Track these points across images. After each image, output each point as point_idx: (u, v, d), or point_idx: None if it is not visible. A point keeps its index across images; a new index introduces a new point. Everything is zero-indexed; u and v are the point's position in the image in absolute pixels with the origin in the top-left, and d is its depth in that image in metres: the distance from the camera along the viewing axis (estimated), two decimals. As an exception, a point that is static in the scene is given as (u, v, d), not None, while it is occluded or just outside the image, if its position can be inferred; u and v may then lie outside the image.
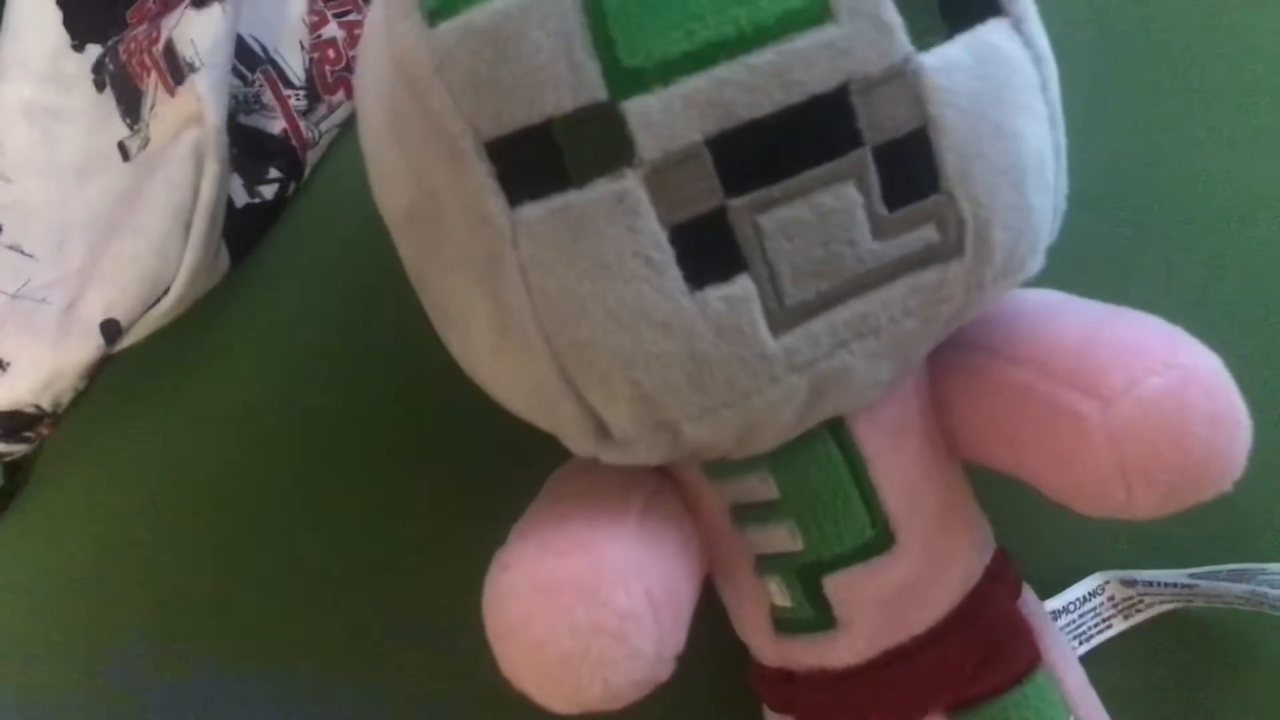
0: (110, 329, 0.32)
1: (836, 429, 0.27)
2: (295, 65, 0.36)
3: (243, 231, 0.35)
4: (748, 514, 0.29)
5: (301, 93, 0.36)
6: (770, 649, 0.30)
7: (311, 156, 0.36)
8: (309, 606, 0.37)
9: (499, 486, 0.35)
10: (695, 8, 0.21)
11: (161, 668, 0.37)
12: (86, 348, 0.32)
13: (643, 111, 0.21)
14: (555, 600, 0.25)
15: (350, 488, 0.37)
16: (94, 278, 0.32)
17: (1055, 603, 0.35)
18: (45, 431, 0.34)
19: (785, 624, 0.30)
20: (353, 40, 0.36)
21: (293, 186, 0.36)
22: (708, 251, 0.22)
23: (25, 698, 0.37)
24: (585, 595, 0.24)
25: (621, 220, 0.22)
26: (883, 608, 0.29)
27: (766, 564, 0.29)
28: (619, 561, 0.25)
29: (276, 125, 0.35)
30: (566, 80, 0.21)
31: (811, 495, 0.28)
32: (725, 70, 0.21)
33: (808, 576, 0.28)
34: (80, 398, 0.33)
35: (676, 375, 0.23)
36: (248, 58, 0.35)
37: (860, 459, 0.28)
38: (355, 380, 0.37)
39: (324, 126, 0.36)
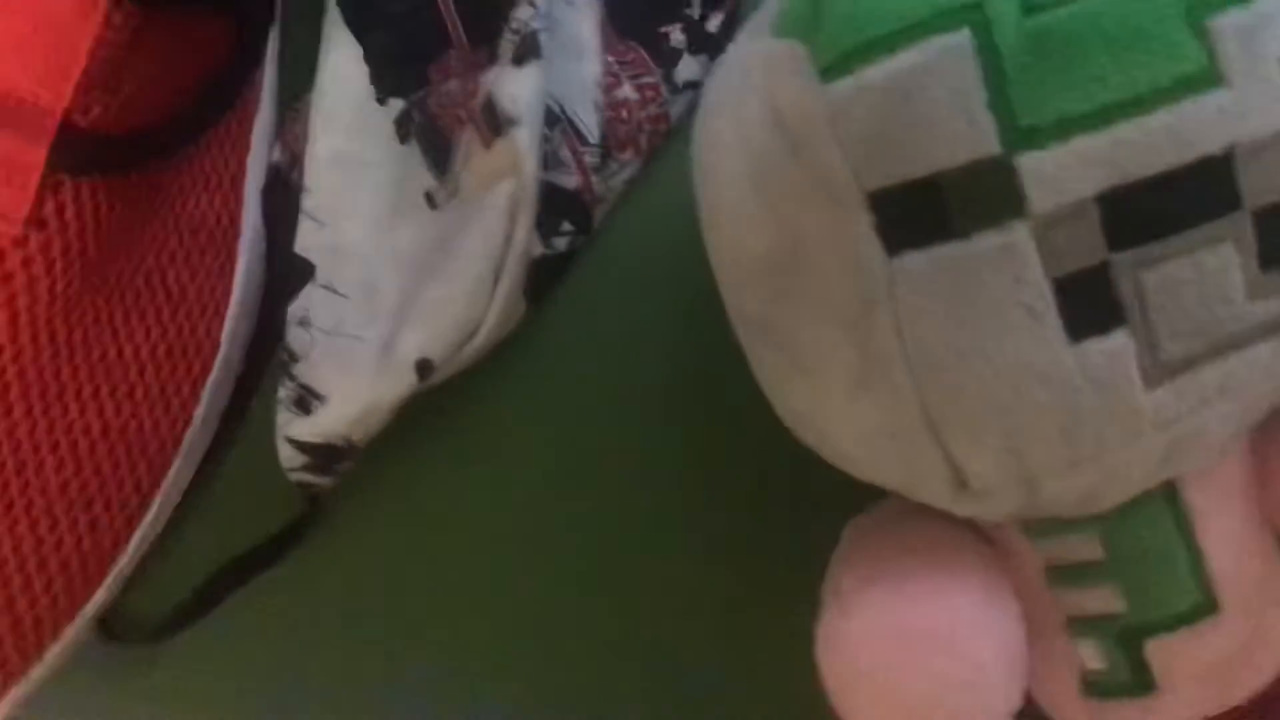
0: (424, 367, 0.33)
1: (1169, 490, 0.27)
2: (590, 124, 0.37)
3: (538, 280, 0.36)
4: (1067, 574, 0.29)
5: (596, 150, 0.37)
6: (1078, 713, 0.30)
7: (599, 212, 0.38)
8: (599, 654, 0.38)
9: (784, 540, 0.36)
10: (1096, 69, 0.22)
11: (447, 707, 0.37)
12: (401, 384, 0.33)
13: (1036, 167, 0.22)
14: (910, 649, 0.25)
15: (640, 539, 0.38)
16: (409, 319, 0.34)
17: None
18: (349, 466, 0.35)
19: (1098, 687, 0.29)
20: (643, 101, 0.38)
21: (582, 239, 0.37)
22: (1089, 305, 0.23)
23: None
24: (942, 645, 0.25)
25: (1007, 271, 0.22)
26: (1205, 674, 0.28)
27: (1082, 625, 0.29)
28: (973, 612, 0.25)
29: (571, 181, 0.37)
30: (963, 136, 0.22)
31: (1139, 556, 0.27)
32: (1120, 130, 0.22)
33: (1129, 640, 0.28)
34: (380, 433, 0.35)
35: (1049, 427, 0.23)
36: (547, 116, 0.36)
37: (1190, 521, 0.27)
38: (643, 423, 0.38)
39: (612, 183, 0.38)
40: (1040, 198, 0.22)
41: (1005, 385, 0.23)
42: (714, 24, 0.38)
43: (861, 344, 0.24)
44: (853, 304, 0.24)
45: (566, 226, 0.37)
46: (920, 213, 0.23)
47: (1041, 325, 0.23)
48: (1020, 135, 0.22)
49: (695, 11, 0.38)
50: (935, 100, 0.22)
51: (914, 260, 0.23)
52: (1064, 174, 0.22)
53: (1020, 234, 0.22)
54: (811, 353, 0.26)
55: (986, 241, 0.22)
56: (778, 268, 0.25)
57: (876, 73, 0.22)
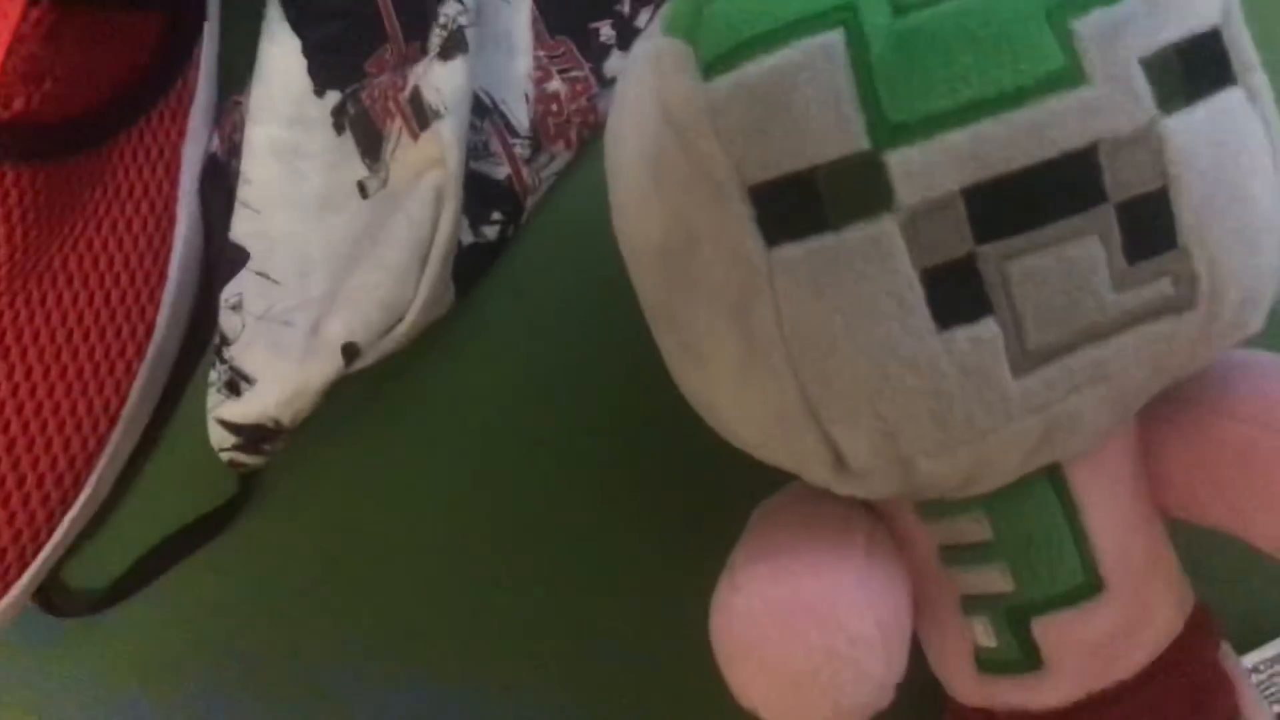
0: (350, 351, 0.34)
1: (1053, 474, 0.28)
2: (520, 116, 0.38)
3: (467, 268, 0.37)
4: (958, 554, 0.30)
5: (526, 141, 0.38)
6: (972, 688, 0.31)
7: (530, 201, 0.39)
8: (525, 625, 0.39)
9: (704, 516, 0.37)
10: (960, 69, 0.23)
11: (376, 678, 0.39)
12: (328, 367, 0.34)
13: (904, 162, 0.23)
14: (790, 622, 0.26)
15: (565, 515, 0.39)
16: (336, 304, 0.35)
17: (1246, 660, 0.35)
18: (280, 446, 0.36)
19: (990, 664, 0.30)
20: (574, 95, 0.39)
21: (512, 228, 0.38)
22: (956, 294, 0.24)
23: (239, 704, 0.39)
24: (820, 619, 0.26)
25: (877, 261, 0.23)
26: (1090, 651, 0.29)
27: (973, 604, 0.30)
28: (852, 587, 0.26)
29: (501, 171, 0.38)
30: (833, 132, 0.23)
31: (1025, 538, 0.29)
32: (985, 126, 0.23)
33: (1016, 618, 0.29)
34: (311, 415, 0.36)
35: (920, 411, 0.24)
36: (477, 108, 0.37)
37: (1075, 504, 0.29)
38: (570, 406, 0.39)
39: (544, 174, 0.39)
40: (907, 191, 0.23)
41: (876, 371, 0.24)
42: (642, 20, 0.39)
43: (745, 331, 0.25)
44: (736, 293, 0.25)
45: (496, 216, 0.38)
46: (796, 206, 0.24)
47: (910, 314, 0.24)
48: (889, 131, 0.23)
49: (625, 8, 0.39)
50: (808, 98, 0.23)
51: (791, 251, 0.24)
52: (930, 169, 0.23)
53: (889, 226, 0.23)
54: (703, 340, 0.27)
55: (857, 233, 0.23)
56: (672, 257, 0.26)
57: (754, 70, 0.23)
